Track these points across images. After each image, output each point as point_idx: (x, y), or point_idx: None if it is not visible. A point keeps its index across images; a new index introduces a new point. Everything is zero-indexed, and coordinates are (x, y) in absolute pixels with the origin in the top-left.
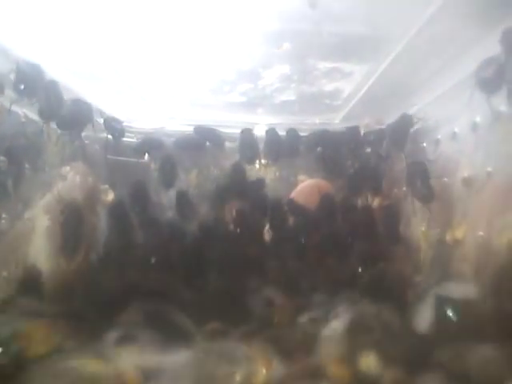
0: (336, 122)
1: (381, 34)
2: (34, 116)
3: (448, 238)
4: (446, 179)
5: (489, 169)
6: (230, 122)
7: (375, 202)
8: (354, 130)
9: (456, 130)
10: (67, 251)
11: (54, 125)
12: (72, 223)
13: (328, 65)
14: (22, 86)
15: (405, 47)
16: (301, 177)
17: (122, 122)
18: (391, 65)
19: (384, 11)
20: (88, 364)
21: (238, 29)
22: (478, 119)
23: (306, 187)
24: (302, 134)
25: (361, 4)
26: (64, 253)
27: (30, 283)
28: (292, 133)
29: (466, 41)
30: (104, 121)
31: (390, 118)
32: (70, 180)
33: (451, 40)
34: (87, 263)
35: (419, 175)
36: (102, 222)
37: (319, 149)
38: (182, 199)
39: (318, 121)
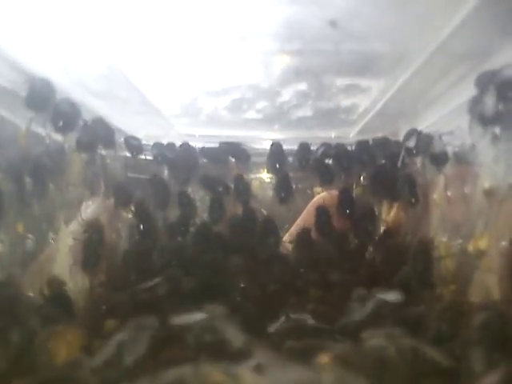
0: (351, 136)
1: (399, 51)
2: (58, 137)
3: (470, 248)
4: (466, 190)
5: (511, 180)
6: (246, 138)
7: (391, 213)
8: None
9: (474, 141)
10: (88, 267)
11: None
12: (94, 241)
13: (346, 81)
14: (61, 123)
15: (423, 63)
16: (317, 189)
17: (141, 140)
18: (409, 80)
19: (403, 28)
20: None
21: (257, 48)
22: (497, 131)
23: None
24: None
25: (380, 22)
26: (85, 269)
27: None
28: (303, 146)
29: (484, 54)
30: (124, 139)
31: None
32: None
33: (469, 55)
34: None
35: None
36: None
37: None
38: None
39: (333, 135)
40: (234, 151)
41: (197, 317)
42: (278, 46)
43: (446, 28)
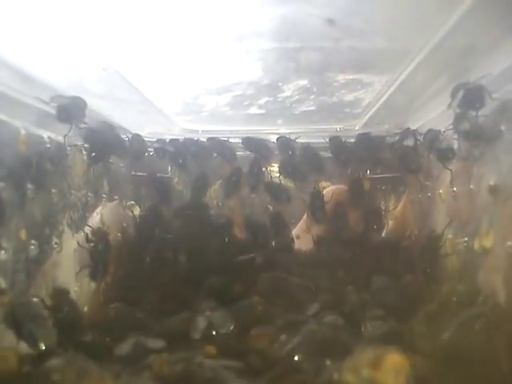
0: (356, 128)
1: (399, 47)
2: (59, 138)
3: (476, 246)
4: (471, 186)
5: None
6: (249, 132)
7: (399, 206)
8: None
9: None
10: (96, 279)
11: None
12: (100, 251)
13: (347, 76)
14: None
15: (424, 58)
16: (323, 183)
17: (145, 139)
18: (411, 74)
19: (402, 25)
20: None
21: (255, 46)
22: (502, 127)
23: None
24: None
25: (379, 18)
26: (93, 278)
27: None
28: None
29: (484, 50)
30: (128, 139)
31: (412, 125)
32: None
33: (469, 51)
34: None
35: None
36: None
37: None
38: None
39: (338, 128)
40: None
41: None
42: (276, 43)
43: (444, 24)
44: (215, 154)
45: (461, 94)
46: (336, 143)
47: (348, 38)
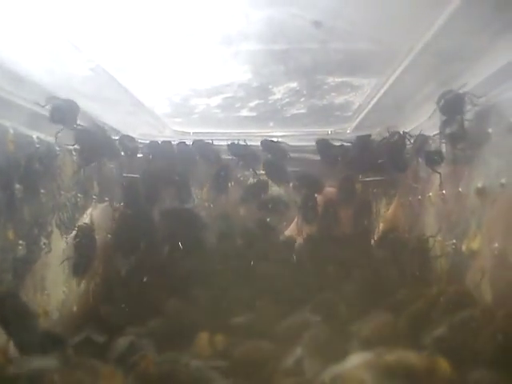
0: (348, 132)
1: (387, 49)
2: (48, 138)
3: (464, 248)
4: (460, 189)
5: (503, 180)
6: (240, 135)
7: (390, 209)
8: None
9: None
10: (78, 274)
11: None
12: (84, 246)
13: (336, 79)
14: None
15: (412, 61)
16: None
17: (136, 140)
18: (399, 78)
19: (388, 28)
20: None
21: (243, 48)
22: (490, 130)
23: None
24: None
25: (365, 21)
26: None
27: None
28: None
29: (472, 53)
30: (118, 140)
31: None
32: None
33: (458, 53)
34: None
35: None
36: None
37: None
38: None
39: (329, 131)
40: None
41: None
42: (263, 45)
43: (431, 27)
44: (197, 157)
45: (442, 101)
46: (323, 145)
47: (335, 40)
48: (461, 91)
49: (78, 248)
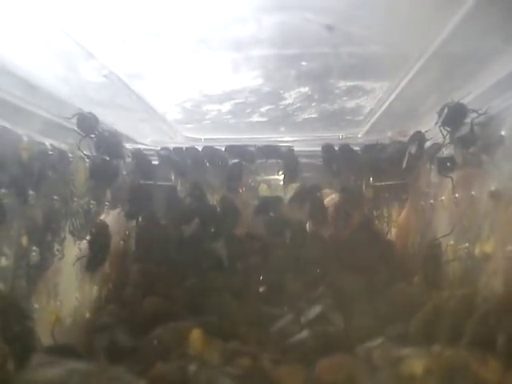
0: (359, 136)
1: (399, 53)
2: (62, 146)
3: (477, 252)
4: (473, 193)
5: None
6: (252, 140)
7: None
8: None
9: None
10: (91, 268)
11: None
12: (98, 241)
13: (348, 83)
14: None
15: (423, 65)
16: (327, 191)
17: (148, 147)
18: (412, 81)
19: (400, 31)
20: None
21: (255, 53)
22: (503, 133)
23: None
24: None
25: (377, 25)
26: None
27: None
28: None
29: (484, 56)
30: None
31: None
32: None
33: (470, 57)
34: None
35: None
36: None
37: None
38: None
39: (341, 136)
40: None
41: None
42: (275, 50)
43: (442, 31)
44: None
45: (445, 111)
46: (328, 151)
47: (347, 44)
48: (461, 102)
49: (92, 244)
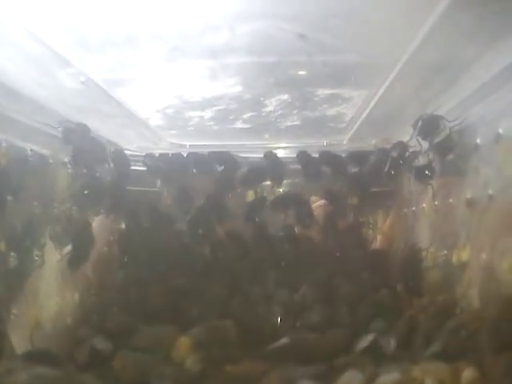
0: (344, 143)
1: (373, 61)
2: (43, 151)
3: (454, 259)
4: (451, 200)
5: (490, 191)
6: (236, 147)
7: (387, 221)
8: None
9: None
10: (73, 264)
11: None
12: (81, 237)
13: (326, 91)
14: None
15: (399, 73)
16: (313, 197)
17: (131, 152)
18: (389, 89)
19: (372, 40)
20: None
21: (232, 60)
22: (478, 141)
23: None
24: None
25: (350, 34)
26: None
27: None
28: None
29: (459, 64)
30: (113, 152)
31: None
32: None
33: (444, 64)
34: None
35: None
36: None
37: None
38: None
39: (325, 143)
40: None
41: None
42: (252, 58)
43: (414, 39)
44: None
45: (419, 124)
46: (303, 158)
47: (321, 52)
48: (436, 114)
49: (74, 241)
